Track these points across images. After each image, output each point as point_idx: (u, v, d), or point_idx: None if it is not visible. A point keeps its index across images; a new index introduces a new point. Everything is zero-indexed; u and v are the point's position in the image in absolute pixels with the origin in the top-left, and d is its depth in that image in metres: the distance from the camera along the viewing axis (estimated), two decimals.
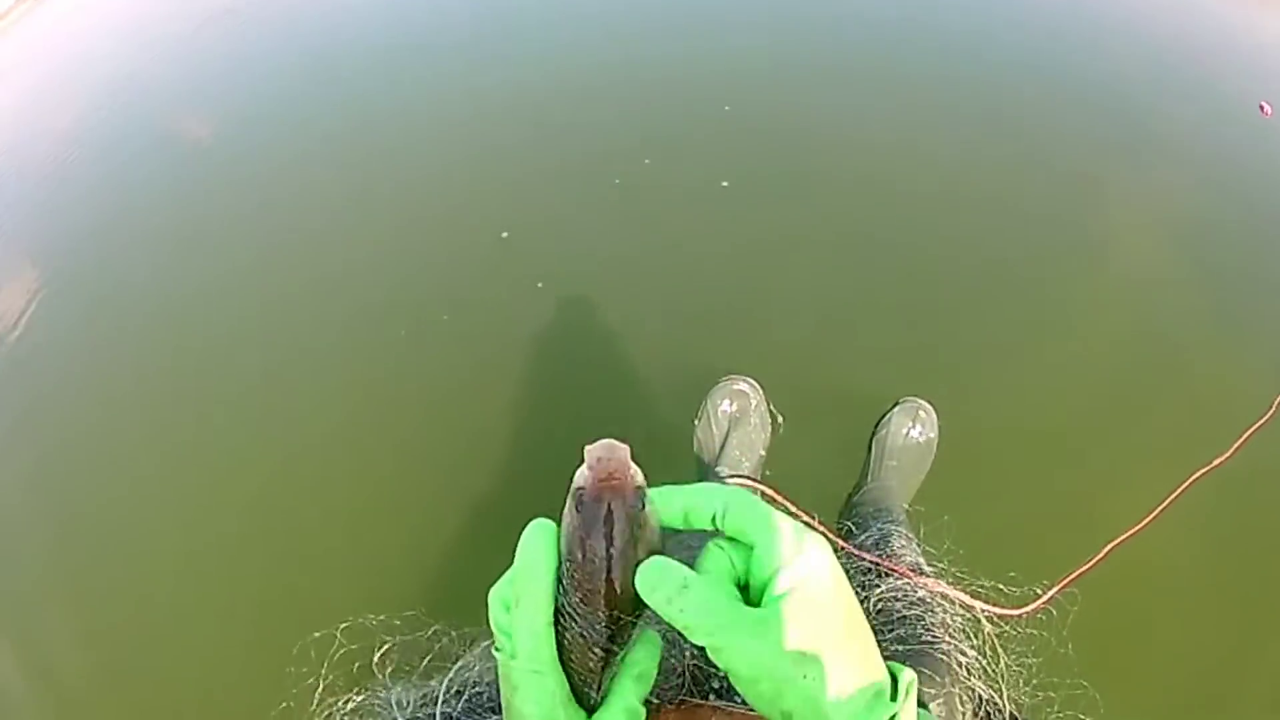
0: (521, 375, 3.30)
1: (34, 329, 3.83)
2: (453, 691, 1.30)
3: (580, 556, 0.77)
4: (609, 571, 0.77)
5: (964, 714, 1.43)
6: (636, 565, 0.78)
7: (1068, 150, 3.93)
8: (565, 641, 0.81)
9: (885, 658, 1.23)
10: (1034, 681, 1.57)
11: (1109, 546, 2.01)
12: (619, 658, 0.82)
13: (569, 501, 0.77)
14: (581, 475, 0.76)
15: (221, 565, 3.01)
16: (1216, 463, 2.44)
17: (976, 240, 3.58)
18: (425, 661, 1.53)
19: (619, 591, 0.78)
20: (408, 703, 1.35)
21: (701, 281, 3.50)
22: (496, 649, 0.84)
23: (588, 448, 0.77)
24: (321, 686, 1.47)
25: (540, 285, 3.56)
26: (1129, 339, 3.29)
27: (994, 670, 1.53)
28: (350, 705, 1.38)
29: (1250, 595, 2.72)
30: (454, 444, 3.18)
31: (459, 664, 1.34)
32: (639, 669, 0.82)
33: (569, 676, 0.82)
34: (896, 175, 3.81)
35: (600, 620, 0.79)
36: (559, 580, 0.80)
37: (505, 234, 3.75)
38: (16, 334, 3.81)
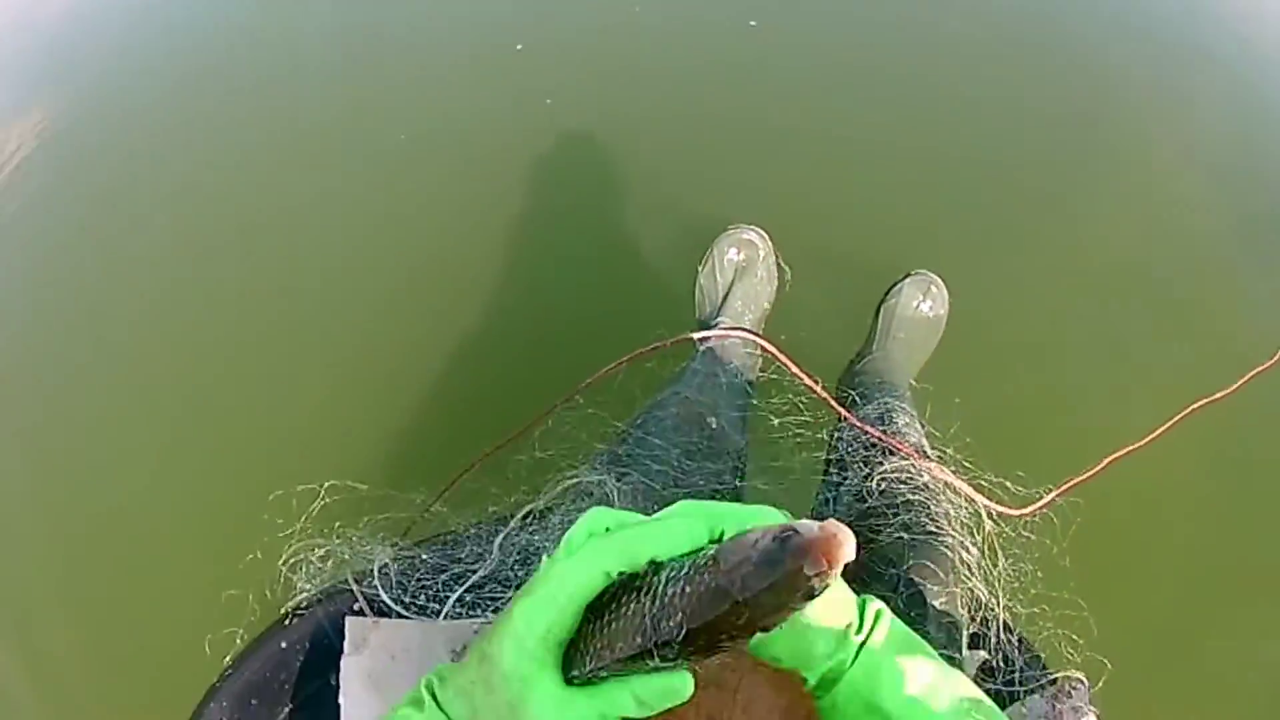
0: (523, 200, 3.19)
1: (34, 164, 3.64)
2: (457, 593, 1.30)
3: (727, 576, 0.67)
4: (738, 612, 0.67)
5: (964, 617, 1.40)
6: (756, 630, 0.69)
7: (1106, 56, 3.75)
8: (623, 608, 0.73)
9: (886, 545, 1.37)
10: (1032, 592, 1.54)
11: (1106, 460, 1.97)
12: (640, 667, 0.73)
13: (767, 536, 0.66)
14: (809, 528, 0.65)
15: (208, 413, 2.95)
16: (1218, 396, 2.38)
17: (1011, 131, 3.45)
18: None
19: (723, 634, 0.69)
20: (392, 571, 1.36)
21: (717, 123, 3.35)
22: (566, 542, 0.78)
23: (834, 525, 0.65)
24: (296, 537, 1.43)
25: (549, 102, 3.42)
26: (1149, 255, 3.20)
27: (992, 573, 1.50)
28: (321, 551, 1.39)
29: (1244, 528, 2.72)
30: (451, 282, 3.08)
31: (483, 570, 1.32)
32: (647, 694, 0.74)
33: (581, 631, 0.75)
34: (931, 55, 3.64)
35: (674, 632, 0.69)
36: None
37: (519, 46, 3.58)
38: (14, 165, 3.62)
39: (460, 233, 3.15)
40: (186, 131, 3.65)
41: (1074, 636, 1.53)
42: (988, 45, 3.69)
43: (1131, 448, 2.05)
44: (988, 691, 1.27)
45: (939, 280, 2.59)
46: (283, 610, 1.38)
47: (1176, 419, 2.23)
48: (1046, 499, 1.74)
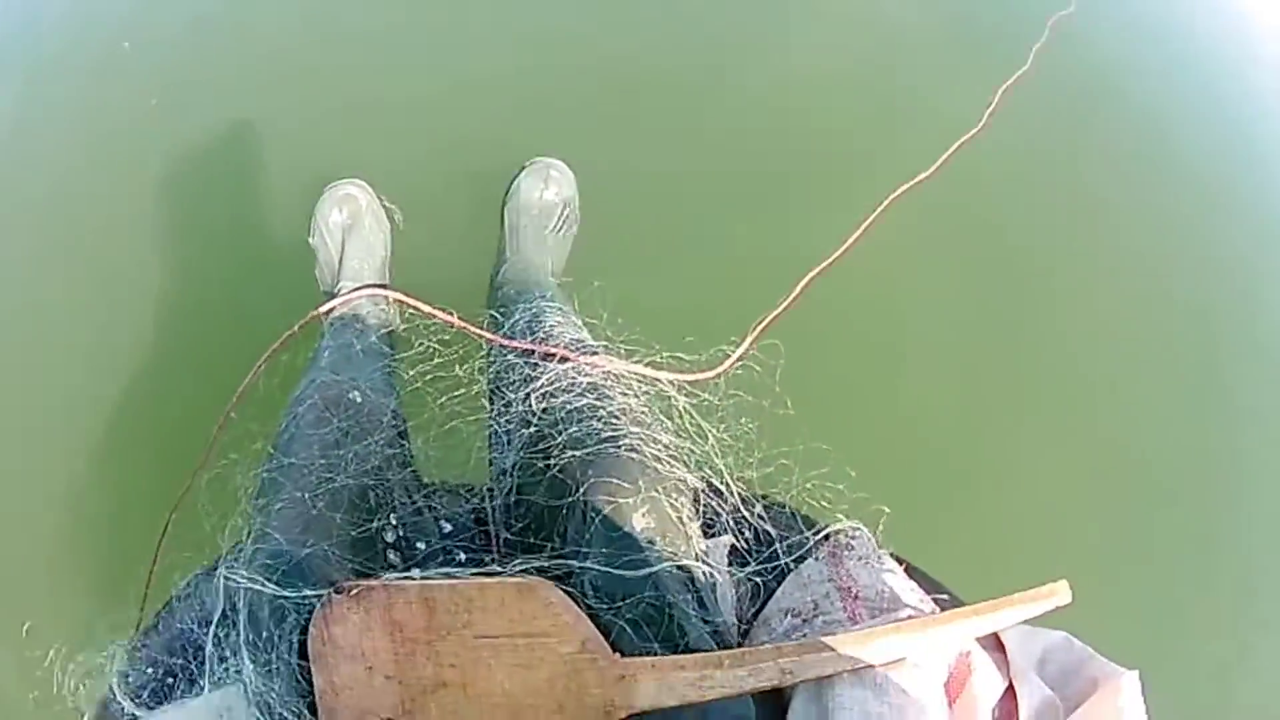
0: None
1: None
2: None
3: None
4: None
5: (681, 515, 1.19)
6: None
7: None
8: None
9: (561, 473, 1.22)
10: (758, 455, 1.36)
11: (805, 280, 1.87)
12: None
13: None
14: None
15: None
16: (920, 178, 2.27)
17: None
18: None
19: None
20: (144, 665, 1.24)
21: (283, 79, 2.95)
22: None
23: None
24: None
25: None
26: (823, 50, 3.02)
27: (703, 450, 1.32)
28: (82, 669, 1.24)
29: (977, 310, 2.65)
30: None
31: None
32: None
33: None
34: None
35: None
36: None
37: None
38: None
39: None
40: None
41: (832, 484, 1.37)
42: None
43: (827, 262, 1.94)
44: (746, 580, 1.23)
45: (558, 163, 2.39)
46: None
47: (874, 214, 2.11)
48: (742, 347, 1.58)
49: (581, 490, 1.17)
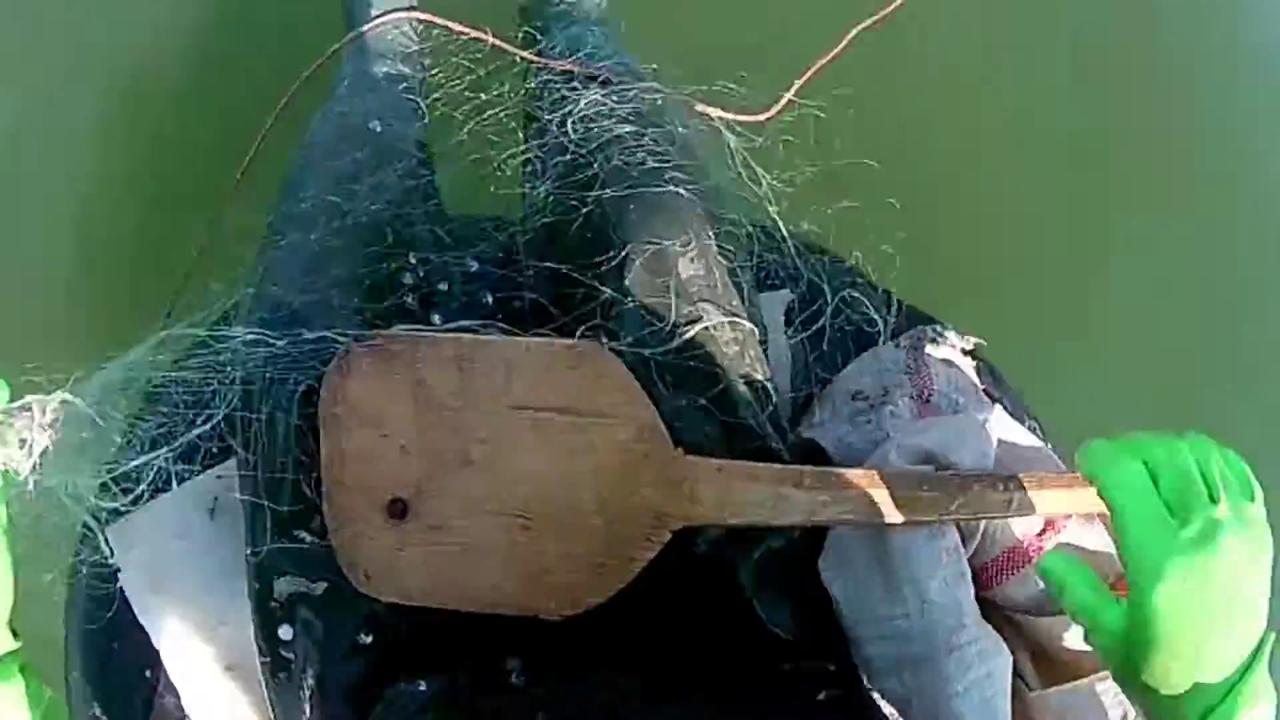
0: None
1: None
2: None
3: None
4: None
5: (732, 264, 1.10)
6: None
7: None
8: None
9: (599, 204, 1.11)
10: (811, 209, 1.28)
11: (855, 30, 1.74)
12: None
13: None
14: None
15: None
16: None
17: None
18: None
19: None
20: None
21: None
22: None
23: None
24: None
25: None
26: None
27: (758, 195, 1.22)
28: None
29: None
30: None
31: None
32: None
33: None
34: None
35: None
36: None
37: None
38: None
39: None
40: None
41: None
42: None
43: (881, 15, 1.80)
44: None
45: None
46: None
47: None
48: (793, 88, 1.51)
49: (623, 229, 1.06)
